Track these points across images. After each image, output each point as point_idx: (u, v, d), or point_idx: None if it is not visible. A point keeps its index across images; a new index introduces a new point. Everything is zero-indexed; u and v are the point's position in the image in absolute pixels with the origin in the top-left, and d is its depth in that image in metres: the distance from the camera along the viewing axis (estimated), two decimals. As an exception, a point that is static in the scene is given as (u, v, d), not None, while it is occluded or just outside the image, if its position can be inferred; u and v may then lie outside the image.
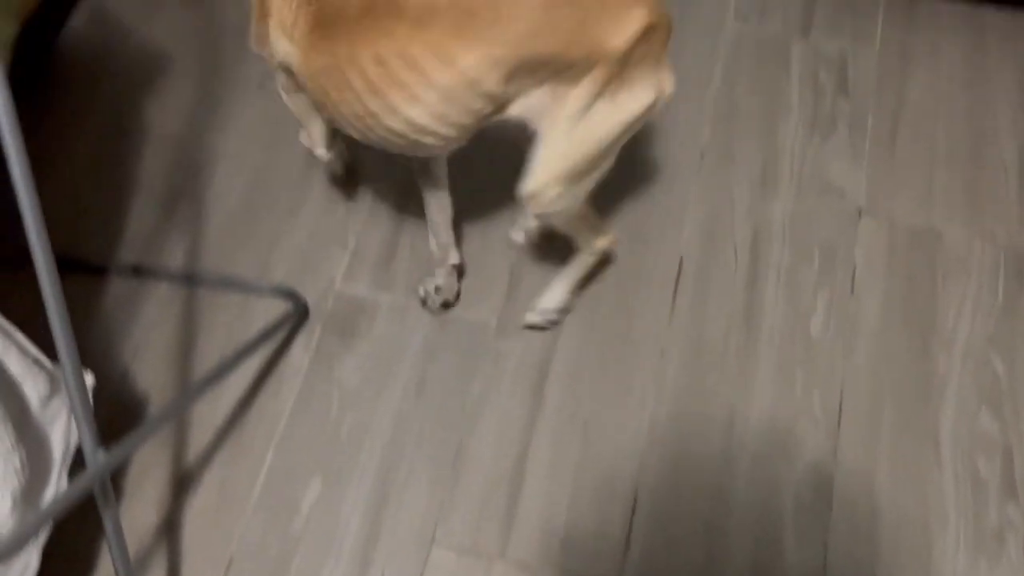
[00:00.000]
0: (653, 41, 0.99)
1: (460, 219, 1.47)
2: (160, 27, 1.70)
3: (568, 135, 1.01)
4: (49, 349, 0.92)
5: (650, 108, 1.04)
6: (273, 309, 1.40)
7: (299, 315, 1.39)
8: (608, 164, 1.09)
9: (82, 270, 1.43)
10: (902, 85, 1.60)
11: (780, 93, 1.59)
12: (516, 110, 1.01)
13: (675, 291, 1.41)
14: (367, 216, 1.50)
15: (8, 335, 0.94)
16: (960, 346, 1.35)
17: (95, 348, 1.37)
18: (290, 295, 1.40)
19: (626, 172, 1.51)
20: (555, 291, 1.35)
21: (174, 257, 1.46)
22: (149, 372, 1.36)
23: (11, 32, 1.39)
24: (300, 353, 1.38)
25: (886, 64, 1.62)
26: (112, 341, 1.38)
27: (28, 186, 0.83)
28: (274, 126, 1.58)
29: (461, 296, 1.41)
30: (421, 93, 0.94)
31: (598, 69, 0.96)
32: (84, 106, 1.62)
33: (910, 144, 1.54)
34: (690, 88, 1.60)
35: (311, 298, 1.42)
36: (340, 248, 1.47)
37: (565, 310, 1.37)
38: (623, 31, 0.95)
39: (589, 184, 1.10)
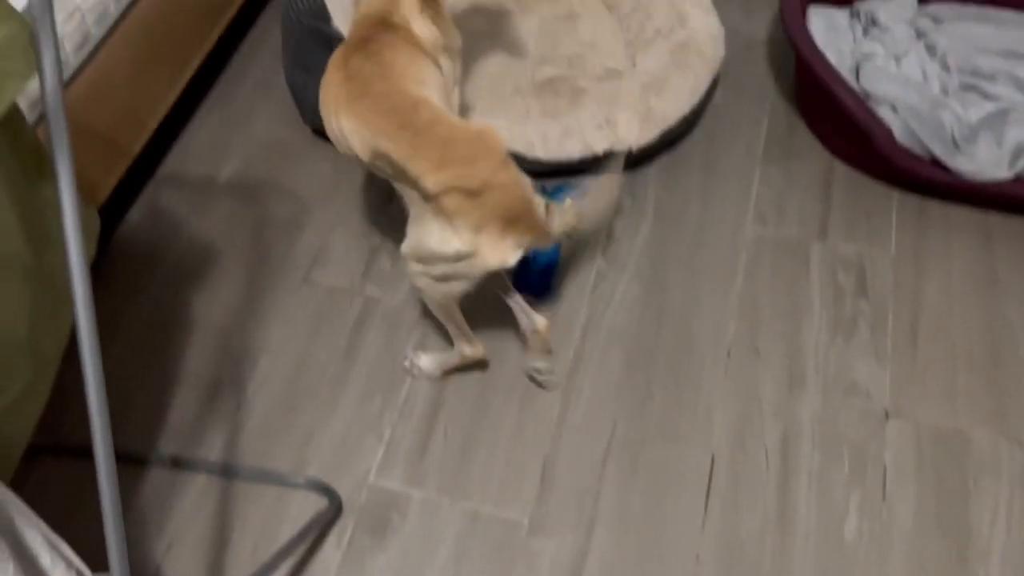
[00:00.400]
0: (479, 200, 1.23)
1: (489, 417, 1.51)
2: (211, 220, 1.81)
3: (413, 225, 1.35)
4: (83, 545, 0.94)
5: (457, 257, 1.28)
6: (308, 502, 1.41)
7: (333, 511, 1.40)
8: (456, 286, 1.35)
9: (122, 460, 1.45)
10: (918, 286, 1.66)
11: (801, 293, 1.66)
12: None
13: (708, 492, 1.42)
14: (403, 405, 1.54)
15: (55, 548, 0.96)
16: (997, 556, 1.34)
17: (129, 542, 1.37)
18: (325, 490, 1.41)
19: (655, 367, 1.56)
20: (430, 359, 1.55)
21: (213, 448, 1.49)
22: (182, 569, 1.35)
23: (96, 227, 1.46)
24: (332, 550, 1.38)
25: (902, 266, 1.69)
26: (147, 535, 1.39)
27: (99, 387, 0.87)
28: (316, 319, 1.65)
29: (491, 492, 1.42)
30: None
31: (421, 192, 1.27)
32: (134, 297, 1.69)
33: (931, 345, 1.58)
34: (714, 285, 1.67)
35: (345, 491, 1.43)
36: (376, 439, 1.50)
37: (431, 377, 1.55)
38: (433, 178, 1.24)
39: (441, 286, 1.36)
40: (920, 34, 1.92)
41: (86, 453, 1.31)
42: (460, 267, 1.30)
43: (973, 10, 2.00)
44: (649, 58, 1.90)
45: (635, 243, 1.75)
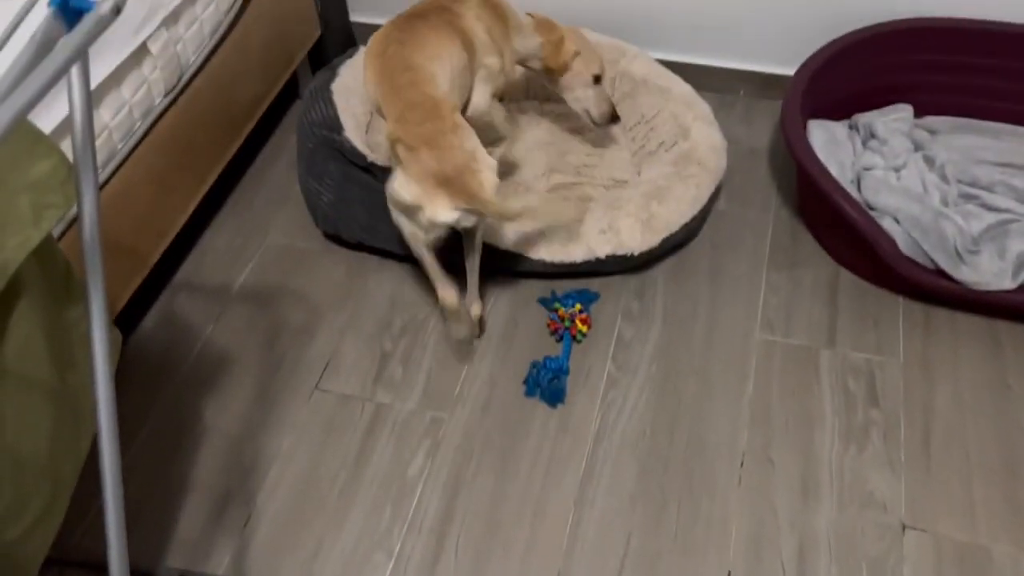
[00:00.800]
0: (417, 155, 1.48)
1: (501, 531, 1.49)
2: (225, 327, 1.83)
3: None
4: None
5: (410, 206, 1.51)
6: (317, 622, 1.38)
7: (343, 630, 1.37)
8: (419, 233, 1.56)
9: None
10: (929, 395, 1.67)
11: (812, 401, 1.66)
12: None
13: (726, 610, 1.39)
14: (413, 517, 1.52)
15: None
16: None
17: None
18: (335, 608, 1.38)
19: (669, 476, 1.54)
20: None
21: (220, 562, 1.47)
22: None
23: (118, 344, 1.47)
24: (341, 671, 1.34)
25: (911, 374, 1.70)
26: (151, 655, 1.35)
27: (118, 519, 0.87)
28: (326, 427, 1.65)
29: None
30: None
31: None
32: (145, 404, 1.70)
33: (944, 455, 1.57)
34: (726, 392, 1.68)
35: (354, 609, 1.40)
36: (385, 555, 1.48)
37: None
38: (390, 127, 1.57)
39: (407, 228, 1.58)
40: (918, 146, 1.98)
41: (94, 566, 1.31)
42: (417, 217, 1.50)
43: (967, 122, 2.07)
44: (653, 168, 1.96)
45: (645, 348, 1.76)
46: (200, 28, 1.79)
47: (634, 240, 1.79)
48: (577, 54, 1.88)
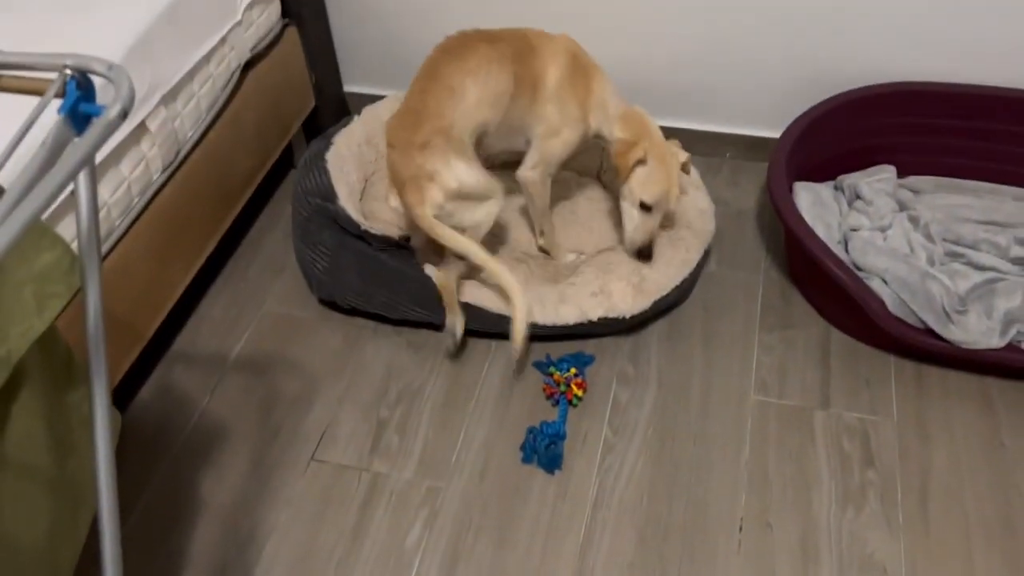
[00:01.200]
0: (390, 155, 1.77)
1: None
2: (221, 397, 1.83)
3: None
4: None
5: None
6: None
7: None
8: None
9: (124, 657, 1.41)
10: (924, 455, 1.67)
11: (809, 463, 1.67)
12: None
13: None
14: (411, 591, 1.51)
15: None
16: None
17: None
18: None
19: (668, 544, 1.54)
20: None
21: (217, 641, 1.45)
22: None
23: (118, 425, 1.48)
24: None
25: (905, 434, 1.71)
26: None
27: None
28: (323, 499, 1.64)
29: None
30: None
31: None
32: (142, 478, 1.69)
33: (942, 515, 1.58)
34: (723, 455, 1.68)
35: None
36: (384, 629, 1.46)
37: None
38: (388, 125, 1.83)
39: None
40: (902, 206, 2.02)
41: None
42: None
43: (948, 182, 2.12)
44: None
45: (641, 412, 1.77)
46: (197, 104, 1.83)
47: (625, 303, 1.81)
48: (639, 164, 1.74)
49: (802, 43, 2.07)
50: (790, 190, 1.90)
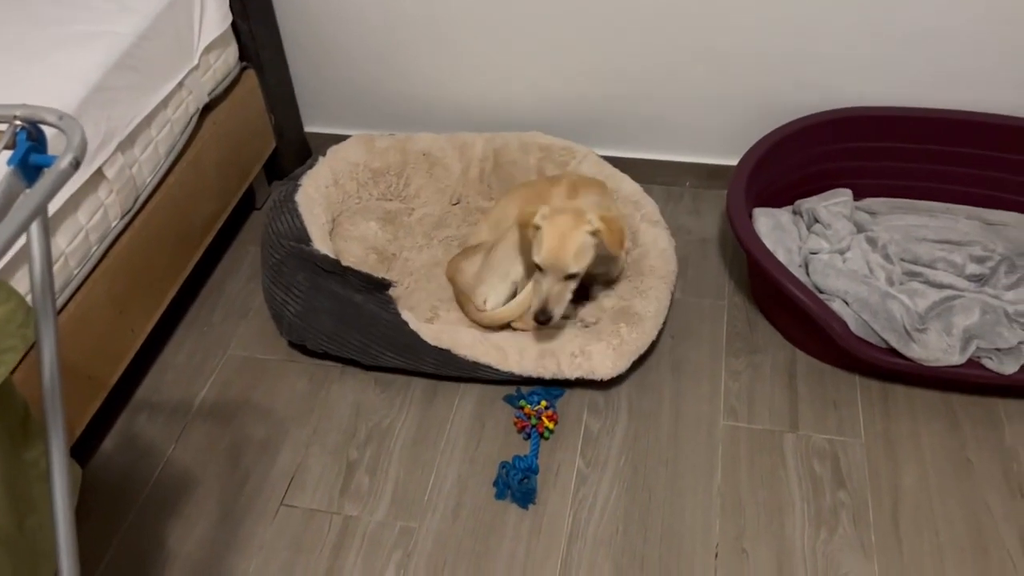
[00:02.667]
0: None
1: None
2: (187, 445, 1.80)
3: None
4: None
5: None
6: None
7: None
8: None
9: None
10: (894, 474, 1.69)
11: (781, 486, 1.67)
12: None
13: None
14: (387, 637, 1.48)
15: None
16: None
17: None
18: None
19: (648, 575, 1.53)
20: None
21: None
22: None
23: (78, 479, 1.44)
24: None
25: (874, 454, 1.72)
26: None
27: None
28: (294, 546, 1.61)
29: None
30: None
31: None
32: (106, 532, 1.65)
33: (914, 535, 1.59)
34: (695, 482, 1.68)
35: None
36: (360, 677, 1.43)
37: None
38: None
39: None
40: (860, 227, 2.06)
41: None
42: None
43: (904, 202, 2.16)
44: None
45: (613, 442, 1.77)
46: (155, 150, 1.81)
47: (604, 367, 1.80)
48: (535, 229, 1.75)
49: (756, 73, 2.12)
50: (750, 216, 1.93)
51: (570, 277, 1.73)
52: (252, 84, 2.18)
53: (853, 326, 1.75)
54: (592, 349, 1.80)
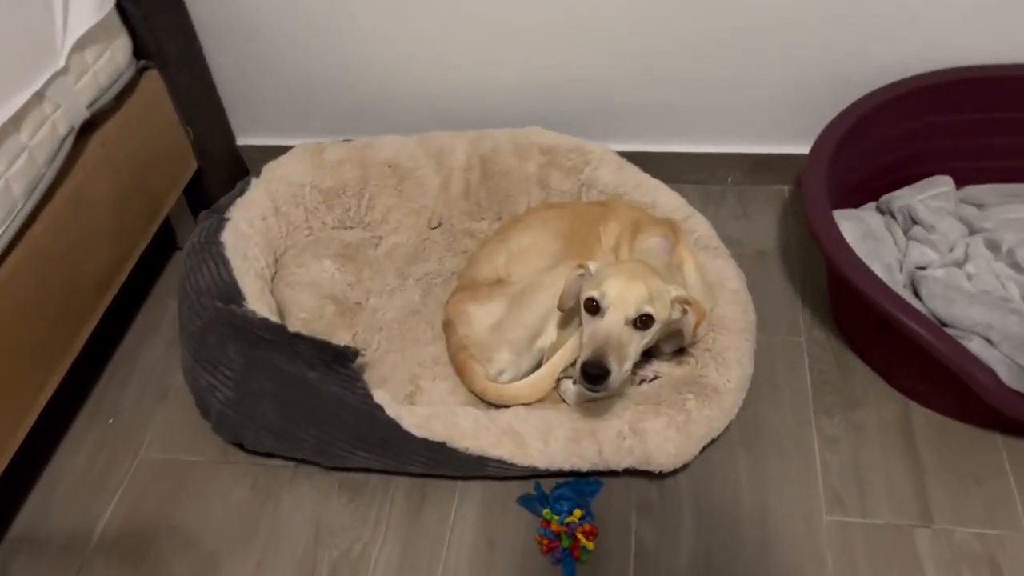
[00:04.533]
0: None
1: None
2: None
3: None
4: None
5: None
6: None
7: None
8: None
9: None
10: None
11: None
12: None
13: None
14: None
15: None
16: None
17: None
18: None
19: None
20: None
21: None
22: None
23: None
24: None
25: (1045, 550, 1.22)
26: None
27: None
28: None
29: None
30: None
31: None
32: None
33: None
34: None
35: None
36: None
37: None
38: None
39: None
40: (972, 228, 1.55)
41: None
42: None
43: (1018, 188, 1.66)
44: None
45: (678, 559, 1.26)
46: (7, 189, 1.29)
47: (665, 454, 1.29)
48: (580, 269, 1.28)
49: (817, 30, 1.60)
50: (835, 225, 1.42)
51: (641, 324, 1.20)
52: (156, 88, 1.65)
53: (1006, 376, 1.24)
54: (647, 427, 1.29)
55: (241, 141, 1.98)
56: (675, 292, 1.23)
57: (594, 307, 1.20)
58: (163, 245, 1.82)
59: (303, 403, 1.32)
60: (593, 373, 1.15)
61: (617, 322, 1.18)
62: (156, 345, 1.66)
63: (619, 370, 1.17)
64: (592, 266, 1.26)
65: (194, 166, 1.80)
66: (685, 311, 1.24)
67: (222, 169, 1.90)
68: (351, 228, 1.74)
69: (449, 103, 1.80)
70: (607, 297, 1.19)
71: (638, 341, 1.21)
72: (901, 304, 1.26)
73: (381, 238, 1.73)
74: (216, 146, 1.88)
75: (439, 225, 1.75)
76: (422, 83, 1.79)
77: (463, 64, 1.74)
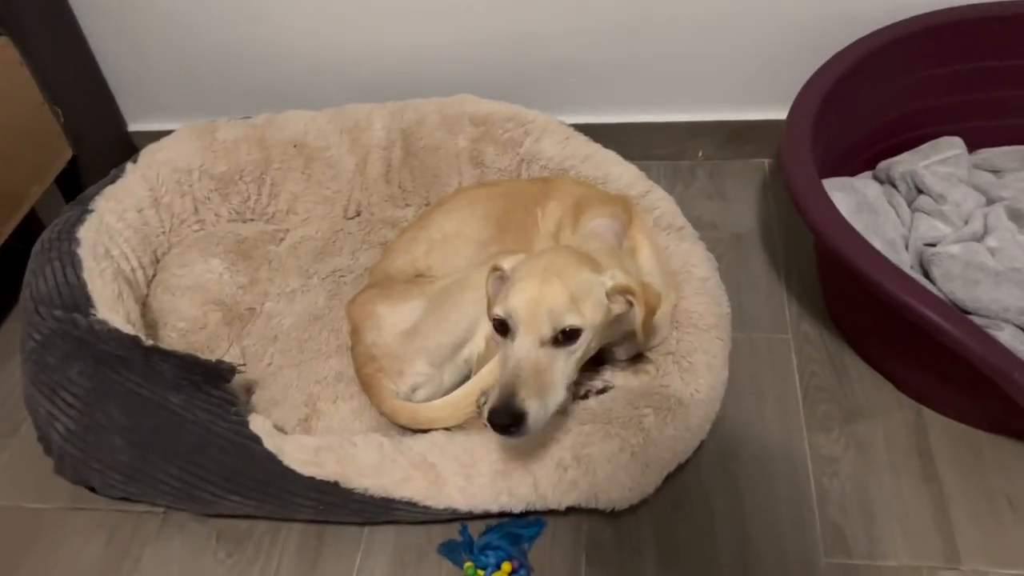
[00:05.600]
0: None
1: None
2: None
3: None
4: None
5: None
6: None
7: None
8: None
9: None
10: None
11: None
12: None
13: None
14: None
15: None
16: None
17: None
18: None
19: None
20: None
21: None
22: None
23: None
24: None
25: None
26: None
27: None
28: None
29: None
30: None
31: None
32: None
33: None
34: None
35: None
36: None
37: None
38: None
39: None
40: (989, 197, 1.29)
41: None
42: None
43: (1035, 150, 1.40)
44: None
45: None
46: None
47: (617, 489, 1.02)
48: (495, 270, 1.02)
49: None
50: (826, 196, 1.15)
51: (563, 340, 0.93)
52: (9, 62, 1.38)
53: (1046, 372, 0.97)
54: (595, 454, 1.02)
55: (134, 127, 1.71)
56: (611, 281, 0.95)
57: (503, 328, 0.94)
58: (26, 248, 1.53)
59: (162, 436, 1.05)
60: (500, 423, 0.88)
61: (529, 346, 0.91)
62: (13, 369, 1.38)
63: (541, 407, 0.90)
64: (508, 264, 0.99)
65: (68, 154, 1.52)
66: (631, 303, 0.97)
67: (107, 159, 1.61)
68: (251, 221, 1.47)
69: (365, 70, 1.54)
70: (514, 314, 0.92)
71: (564, 361, 0.93)
72: (912, 286, 0.99)
73: (287, 231, 1.46)
74: (99, 132, 1.61)
75: (357, 214, 1.48)
76: (335, 49, 1.52)
77: (380, 24, 1.48)
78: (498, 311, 0.94)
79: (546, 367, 0.91)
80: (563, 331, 0.91)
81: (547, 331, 0.91)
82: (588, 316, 0.92)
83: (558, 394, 0.92)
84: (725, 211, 1.50)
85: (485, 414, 0.90)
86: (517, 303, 0.92)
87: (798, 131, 1.20)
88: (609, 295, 0.95)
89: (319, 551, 1.09)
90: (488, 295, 1.02)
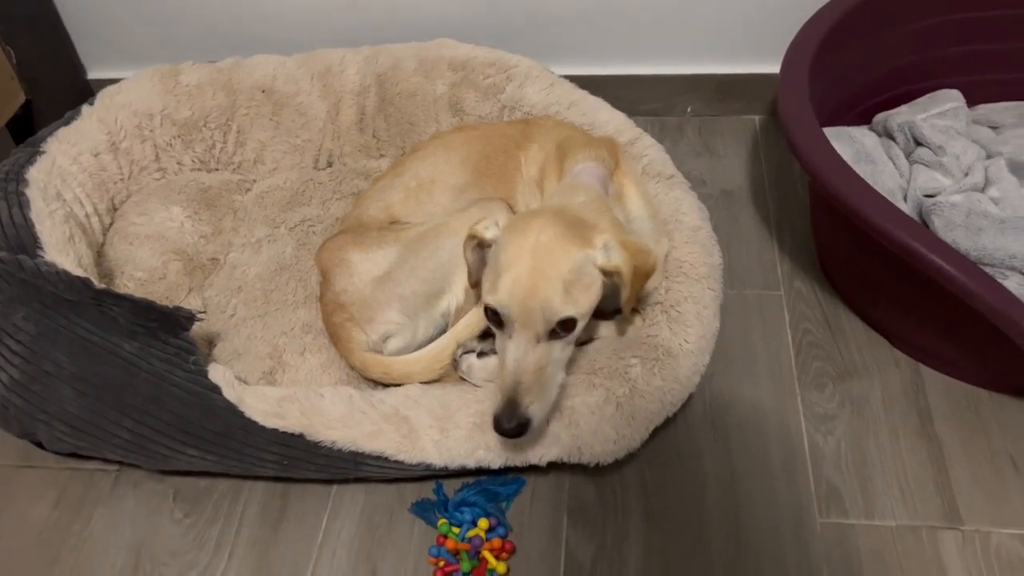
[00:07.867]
0: None
1: None
2: None
3: None
4: None
5: None
6: None
7: None
8: None
9: None
10: None
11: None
12: None
13: None
14: None
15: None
16: None
17: None
18: None
19: None
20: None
21: None
22: None
23: None
24: None
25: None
26: None
27: None
28: None
29: None
30: None
31: None
32: None
33: None
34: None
35: None
36: None
37: None
38: None
39: None
40: (988, 152, 1.24)
41: None
42: None
43: (1034, 106, 1.35)
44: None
45: (627, 566, 0.93)
46: None
47: (603, 442, 0.96)
48: (475, 237, 0.95)
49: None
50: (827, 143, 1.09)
51: (559, 331, 0.88)
52: (-47, -7, 1.29)
53: (1055, 322, 0.92)
54: (578, 405, 0.96)
55: (94, 74, 1.62)
56: (601, 259, 0.89)
57: (496, 318, 0.89)
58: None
59: (114, 386, 0.97)
60: (507, 429, 0.85)
61: (526, 346, 0.87)
62: (-40, 320, 1.29)
63: (543, 407, 0.88)
64: (487, 231, 0.93)
65: (20, 98, 1.44)
66: (613, 280, 0.91)
67: (64, 106, 1.51)
68: (216, 170, 1.39)
69: (338, 14, 1.46)
70: (507, 310, 0.87)
71: (561, 350, 0.90)
72: (919, 231, 0.93)
73: (254, 181, 1.38)
74: (55, 76, 1.52)
75: (329, 165, 1.41)
76: (307, -8, 1.44)
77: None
78: (489, 301, 0.88)
79: (544, 363, 0.88)
80: (560, 323, 0.87)
81: (542, 328, 0.87)
82: (583, 303, 0.88)
83: (557, 382, 0.91)
84: (715, 167, 1.45)
85: (489, 418, 0.88)
86: (509, 299, 0.86)
87: (795, 77, 1.14)
88: (602, 271, 0.90)
89: (283, 511, 1.02)
90: (467, 263, 0.97)
